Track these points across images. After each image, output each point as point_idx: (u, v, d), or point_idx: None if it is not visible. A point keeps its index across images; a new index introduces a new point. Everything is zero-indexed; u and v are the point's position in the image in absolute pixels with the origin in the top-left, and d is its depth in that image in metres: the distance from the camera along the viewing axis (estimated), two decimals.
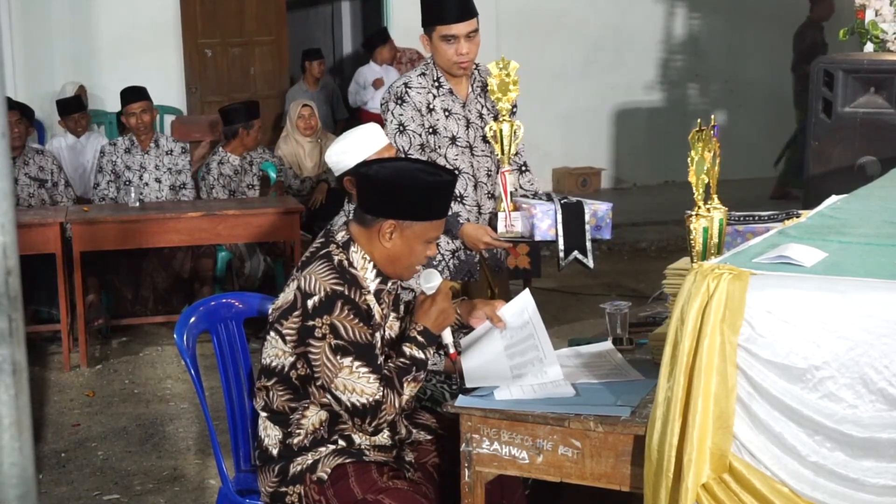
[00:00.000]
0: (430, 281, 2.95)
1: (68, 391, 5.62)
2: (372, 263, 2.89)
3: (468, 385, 2.82)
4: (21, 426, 1.31)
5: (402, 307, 3.07)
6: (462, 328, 3.05)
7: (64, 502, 4.32)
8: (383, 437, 2.93)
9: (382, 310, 2.93)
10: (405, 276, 2.97)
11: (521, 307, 3.02)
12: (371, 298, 2.88)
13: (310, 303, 2.78)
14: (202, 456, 4.71)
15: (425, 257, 2.91)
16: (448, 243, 4.00)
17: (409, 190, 2.83)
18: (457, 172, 3.98)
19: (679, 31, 11.05)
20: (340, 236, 2.91)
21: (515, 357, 2.92)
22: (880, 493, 2.28)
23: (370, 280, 2.89)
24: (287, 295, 2.86)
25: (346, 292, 2.79)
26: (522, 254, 5.94)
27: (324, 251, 2.87)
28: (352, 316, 2.78)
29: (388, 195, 2.84)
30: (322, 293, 2.78)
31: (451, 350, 2.96)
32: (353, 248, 2.88)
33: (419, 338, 2.88)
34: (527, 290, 3.11)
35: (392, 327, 2.99)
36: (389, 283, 2.96)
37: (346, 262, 2.85)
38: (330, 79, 10.35)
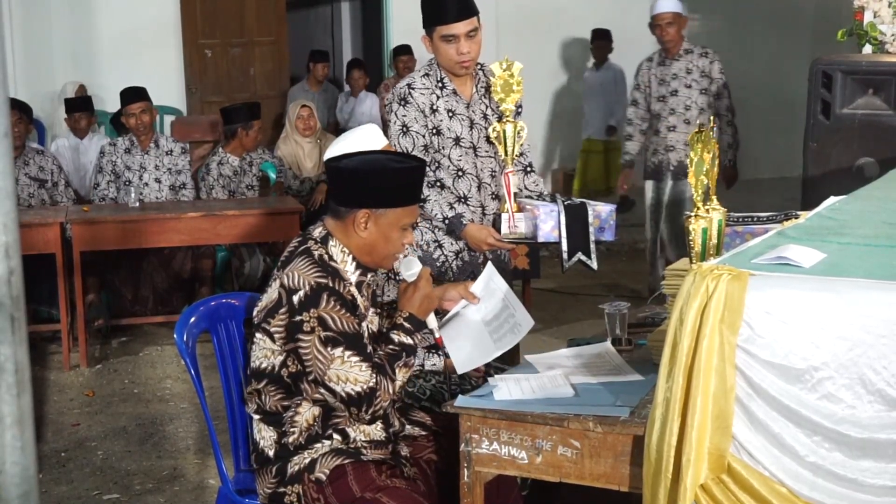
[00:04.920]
0: (411, 268, 2.99)
1: (68, 391, 5.62)
2: (351, 256, 2.91)
3: (460, 372, 2.85)
4: (23, 425, 1.32)
5: (378, 302, 3.10)
6: (437, 313, 3.08)
7: (64, 502, 4.32)
8: (377, 431, 2.94)
9: (364, 301, 2.95)
10: (384, 265, 3.00)
11: (487, 279, 3.10)
12: (354, 289, 2.90)
13: (295, 298, 2.79)
14: (202, 455, 4.72)
15: (402, 245, 2.93)
16: (452, 244, 4.00)
17: (378, 177, 2.86)
18: (461, 173, 3.99)
19: None
20: (317, 232, 2.93)
21: (492, 322, 3.00)
22: (879, 494, 2.28)
23: (350, 272, 2.91)
24: (271, 294, 2.86)
25: (331, 284, 2.80)
26: (521, 254, 5.94)
27: (302, 248, 2.89)
28: (338, 307, 2.79)
29: (358, 185, 2.87)
30: (307, 287, 2.79)
31: (437, 334, 3.00)
32: (331, 243, 2.91)
33: (406, 324, 2.91)
34: (489, 263, 3.20)
35: (372, 322, 3.01)
36: (369, 275, 2.99)
37: (325, 256, 2.86)
38: (332, 84, 10.34)
